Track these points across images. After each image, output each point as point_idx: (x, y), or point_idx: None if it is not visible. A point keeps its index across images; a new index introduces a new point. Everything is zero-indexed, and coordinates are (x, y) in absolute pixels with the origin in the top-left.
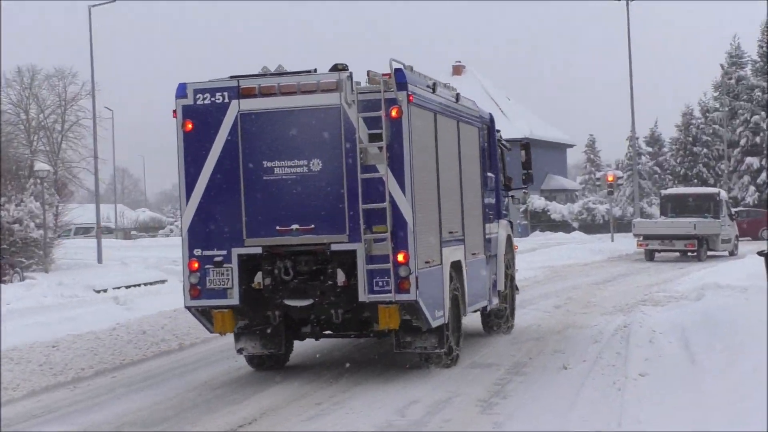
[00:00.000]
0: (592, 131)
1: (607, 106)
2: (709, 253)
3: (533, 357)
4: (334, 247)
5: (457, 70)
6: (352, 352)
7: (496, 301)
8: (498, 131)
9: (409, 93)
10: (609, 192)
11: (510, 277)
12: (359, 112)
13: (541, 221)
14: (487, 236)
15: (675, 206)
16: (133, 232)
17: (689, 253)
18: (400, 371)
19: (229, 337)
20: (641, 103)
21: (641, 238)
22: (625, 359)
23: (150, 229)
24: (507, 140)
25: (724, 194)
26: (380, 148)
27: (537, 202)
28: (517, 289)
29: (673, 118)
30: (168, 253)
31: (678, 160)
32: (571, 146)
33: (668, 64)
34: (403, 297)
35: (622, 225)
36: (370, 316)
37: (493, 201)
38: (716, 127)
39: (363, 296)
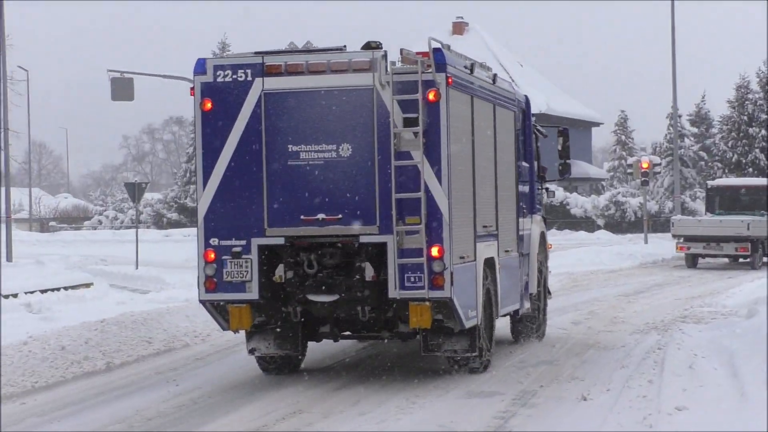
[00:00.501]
0: (623, 107)
1: (642, 77)
2: (766, 259)
3: (545, 385)
4: (363, 239)
5: (458, 28)
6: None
7: (527, 304)
8: (533, 116)
9: (448, 75)
10: (643, 182)
11: (543, 279)
12: (394, 94)
13: (558, 217)
14: (520, 232)
15: (724, 201)
16: (51, 223)
17: (741, 260)
18: (381, 398)
19: (173, 355)
20: (686, 74)
21: (681, 240)
22: (659, 389)
23: (73, 219)
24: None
25: None
26: (415, 134)
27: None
28: (549, 293)
29: (725, 92)
30: (95, 249)
31: (729, 144)
32: (597, 125)
33: (720, 23)
34: (437, 294)
35: (658, 223)
36: (393, 316)
37: (527, 193)
38: None
39: (393, 292)
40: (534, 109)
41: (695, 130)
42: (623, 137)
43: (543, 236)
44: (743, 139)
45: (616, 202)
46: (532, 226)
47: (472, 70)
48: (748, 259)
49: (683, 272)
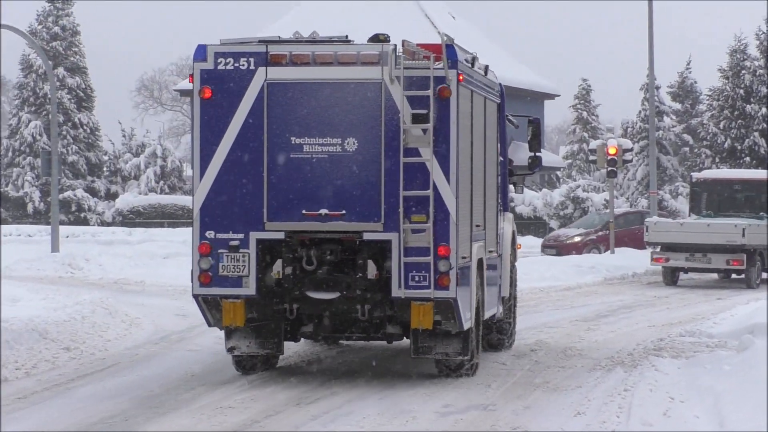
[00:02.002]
0: (585, 75)
1: (611, 37)
2: (765, 275)
3: None
4: (367, 236)
5: None
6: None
7: (500, 309)
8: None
9: (459, 72)
10: (610, 173)
11: (513, 282)
12: (404, 89)
13: None
14: (498, 231)
15: (714, 199)
16: None
17: (734, 275)
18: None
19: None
20: (667, 33)
21: (658, 250)
22: None
23: None
24: None
25: None
26: (425, 131)
27: None
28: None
29: (716, 58)
30: None
31: (721, 125)
32: (552, 97)
33: None
34: (442, 294)
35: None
36: (390, 318)
37: (501, 189)
38: None
39: (397, 291)
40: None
41: (678, 106)
42: (585, 114)
43: (514, 235)
44: (738, 119)
45: (575, 199)
46: (505, 224)
47: (473, 65)
48: (743, 275)
49: (659, 291)
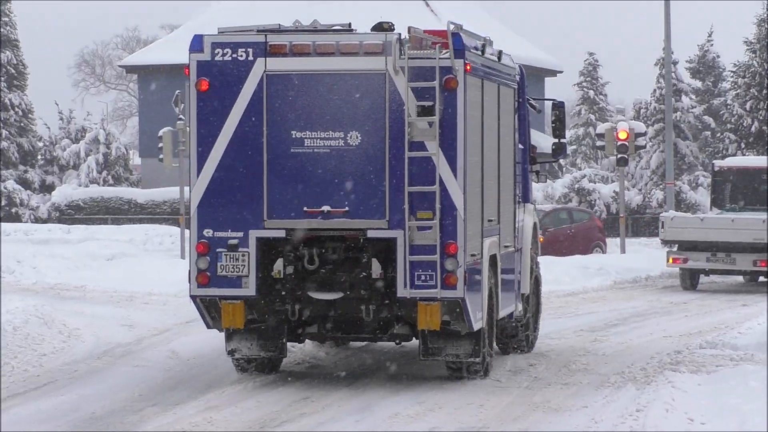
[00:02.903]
0: (593, 49)
1: (624, 7)
2: None
3: None
4: (371, 234)
5: None
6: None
7: (519, 306)
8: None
9: (467, 61)
10: (620, 161)
11: (535, 280)
12: (409, 80)
13: None
14: (516, 225)
15: (739, 191)
16: None
17: (761, 278)
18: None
19: None
20: (685, 4)
21: (675, 249)
22: None
23: None
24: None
25: None
26: (431, 124)
27: None
28: (536, 294)
29: (742, 29)
30: None
31: (748, 106)
32: (554, 73)
33: None
34: (449, 293)
35: (641, 223)
36: (396, 318)
37: (521, 179)
38: None
39: (403, 291)
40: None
41: (698, 84)
42: (591, 93)
43: (535, 228)
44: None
45: (580, 190)
46: (525, 216)
47: (483, 52)
48: None
49: (676, 296)
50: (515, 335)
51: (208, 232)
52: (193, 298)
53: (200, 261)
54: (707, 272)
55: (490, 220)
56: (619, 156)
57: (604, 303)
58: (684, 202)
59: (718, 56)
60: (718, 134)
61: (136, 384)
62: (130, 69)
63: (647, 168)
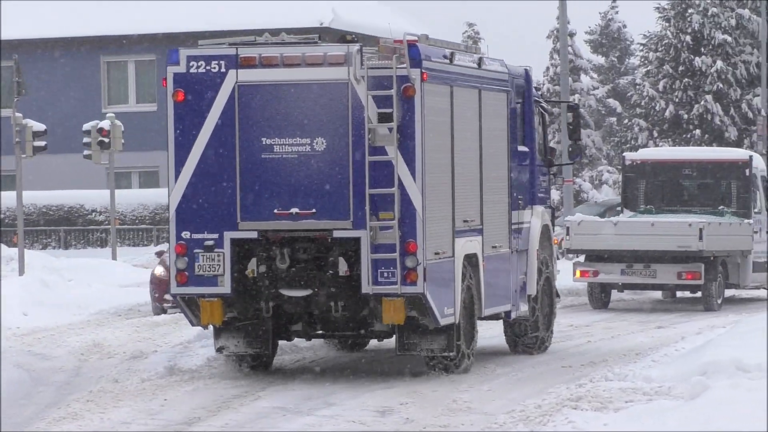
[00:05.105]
0: (472, 19)
1: None
2: (728, 292)
3: None
4: (337, 234)
5: None
6: None
7: (524, 307)
8: (538, 89)
9: (423, 70)
10: None
11: (546, 281)
12: (369, 89)
13: None
14: (514, 226)
15: (655, 189)
16: None
17: (679, 293)
18: None
19: None
20: None
21: (582, 259)
22: None
23: None
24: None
25: (760, 163)
26: (390, 129)
27: None
28: (558, 295)
29: None
30: None
31: (661, 86)
32: None
33: None
34: (410, 289)
35: None
36: (369, 314)
37: (525, 182)
38: (745, 14)
39: (366, 287)
40: (313, 22)
41: (601, 60)
42: None
43: (547, 230)
44: (684, 77)
45: None
46: (532, 219)
47: (451, 60)
48: (699, 293)
49: (580, 317)
50: (524, 335)
51: (186, 234)
52: (174, 296)
53: (179, 261)
54: (621, 287)
55: (466, 221)
56: None
57: (489, 327)
58: (583, 203)
59: (625, 26)
60: (626, 120)
61: None
62: None
63: None
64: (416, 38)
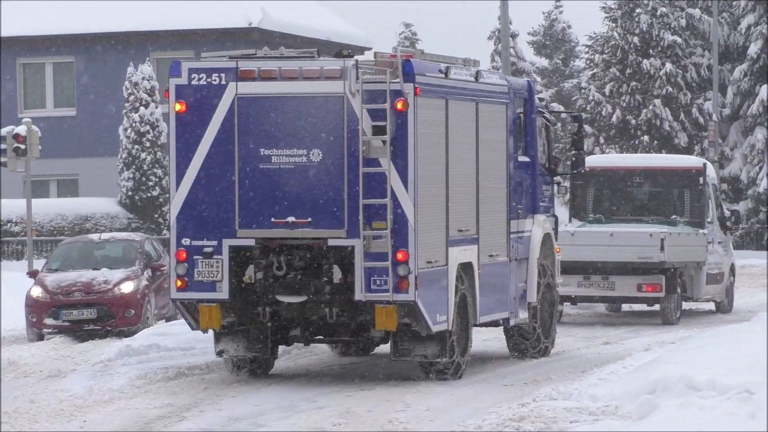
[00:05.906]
0: (410, 19)
1: None
2: (686, 307)
3: None
4: (332, 243)
5: None
6: None
7: (523, 314)
8: (542, 100)
9: (416, 85)
10: None
11: (547, 288)
12: (363, 102)
13: None
14: (513, 235)
15: (605, 198)
16: None
17: (628, 306)
18: None
19: None
20: None
21: None
22: None
23: None
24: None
25: (711, 171)
26: (384, 142)
27: None
28: (562, 303)
29: None
30: None
31: (607, 90)
32: (361, 51)
33: None
34: (401, 297)
35: None
36: (365, 320)
37: (526, 191)
38: (696, 13)
39: (360, 295)
40: (242, 23)
41: (544, 62)
42: None
43: (548, 239)
44: (632, 80)
45: None
46: (533, 228)
47: (447, 74)
48: (662, 304)
49: None
50: (528, 340)
51: (186, 241)
52: (174, 301)
53: (179, 267)
54: (575, 301)
55: (461, 230)
56: None
57: (481, 333)
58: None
59: (569, 27)
60: (570, 126)
61: None
62: None
63: None
64: (411, 53)
